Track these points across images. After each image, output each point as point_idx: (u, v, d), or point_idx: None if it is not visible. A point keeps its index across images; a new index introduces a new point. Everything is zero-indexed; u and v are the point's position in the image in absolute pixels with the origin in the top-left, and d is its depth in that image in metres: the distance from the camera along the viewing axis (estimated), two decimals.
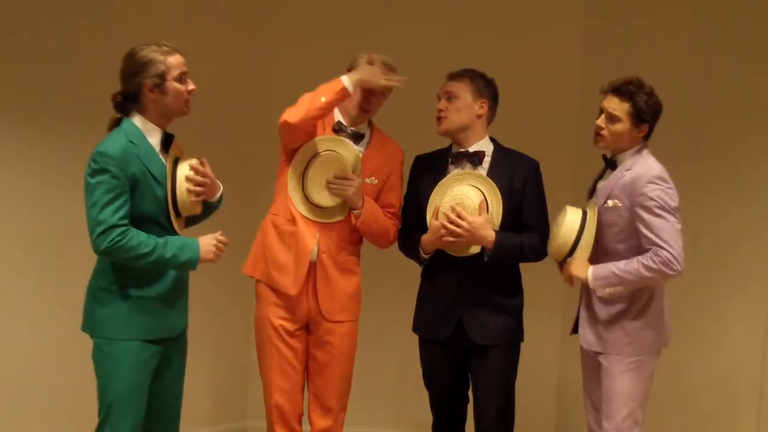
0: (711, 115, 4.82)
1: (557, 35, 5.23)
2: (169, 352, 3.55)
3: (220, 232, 3.52)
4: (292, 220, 3.93)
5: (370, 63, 3.85)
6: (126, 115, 3.46)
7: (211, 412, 5.19)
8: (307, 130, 3.85)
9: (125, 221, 3.33)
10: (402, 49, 4.97)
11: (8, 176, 4.55)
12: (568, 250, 3.71)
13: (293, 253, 3.91)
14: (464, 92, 3.93)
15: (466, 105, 3.93)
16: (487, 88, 3.97)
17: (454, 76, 3.97)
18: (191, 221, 3.67)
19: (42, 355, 4.66)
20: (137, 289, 3.42)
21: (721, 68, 4.79)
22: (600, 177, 3.84)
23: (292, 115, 3.77)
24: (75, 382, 4.63)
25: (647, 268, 3.56)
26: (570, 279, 3.75)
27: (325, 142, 3.91)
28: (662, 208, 3.57)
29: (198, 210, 3.57)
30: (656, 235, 3.56)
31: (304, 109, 3.76)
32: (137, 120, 3.45)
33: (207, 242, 3.48)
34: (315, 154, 3.89)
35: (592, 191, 3.85)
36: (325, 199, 3.89)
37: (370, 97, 3.90)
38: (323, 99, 3.75)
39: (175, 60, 3.43)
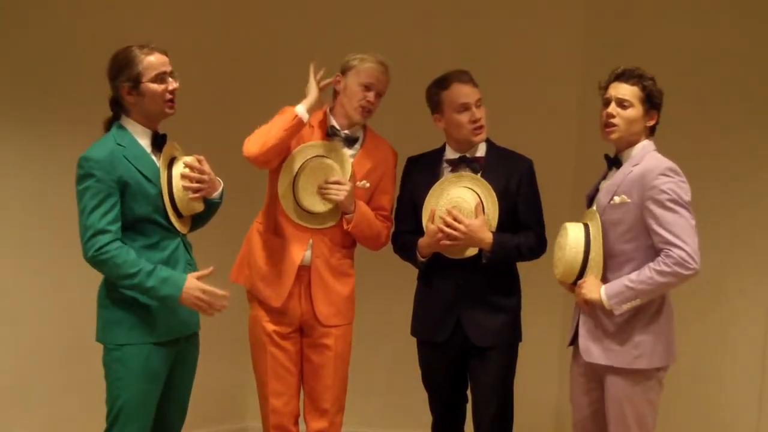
0: (713, 113, 4.81)
1: (558, 32, 5.21)
2: (181, 353, 3.54)
3: (208, 271, 3.39)
4: (280, 231, 3.92)
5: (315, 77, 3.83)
6: (117, 117, 3.46)
7: (211, 412, 5.18)
8: (275, 156, 3.82)
9: (113, 227, 3.29)
10: (400, 45, 4.98)
11: (7, 176, 4.56)
12: (577, 272, 3.54)
13: (278, 266, 3.90)
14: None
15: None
16: None
17: (474, 83, 3.90)
18: (197, 222, 3.65)
19: (41, 356, 4.66)
20: None
21: (723, 66, 4.78)
22: (603, 179, 3.69)
23: (250, 147, 3.75)
24: (75, 383, 4.65)
25: (661, 273, 3.36)
26: (584, 303, 3.54)
27: (315, 147, 3.89)
28: (675, 201, 3.38)
29: (199, 208, 3.55)
30: (669, 231, 3.36)
31: (261, 140, 3.75)
32: (126, 122, 3.45)
33: (191, 288, 3.35)
34: (305, 161, 3.86)
35: (594, 194, 3.68)
36: (317, 204, 3.87)
37: (366, 93, 3.87)
38: (279, 129, 3.75)
39: (153, 60, 3.40)
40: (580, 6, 5.20)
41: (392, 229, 4.07)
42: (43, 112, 4.61)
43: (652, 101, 3.53)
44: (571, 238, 3.53)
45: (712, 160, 4.77)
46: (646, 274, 3.39)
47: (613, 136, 3.54)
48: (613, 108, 3.52)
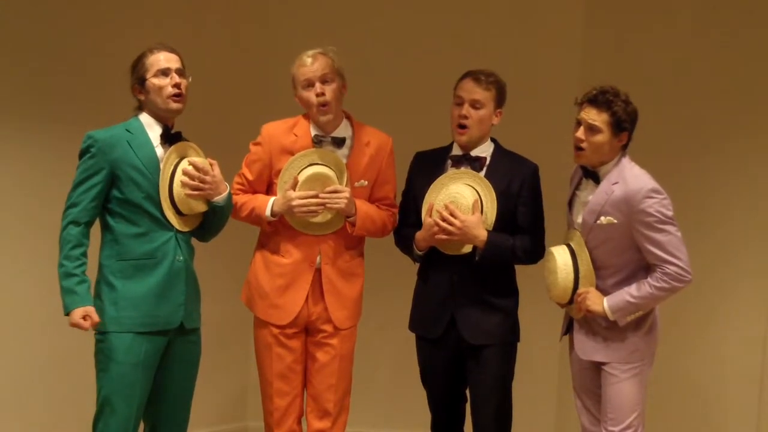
0: (711, 117, 4.82)
1: (557, 36, 5.23)
2: (173, 347, 3.56)
3: (88, 324, 3.43)
4: (285, 247, 3.91)
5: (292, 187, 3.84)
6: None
7: (211, 412, 5.19)
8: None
9: (86, 203, 3.44)
10: (402, 47, 4.99)
11: (6, 177, 4.57)
12: (571, 290, 3.72)
13: (283, 288, 3.90)
14: (489, 102, 3.88)
15: (488, 115, 3.89)
16: (504, 96, 3.94)
17: (482, 82, 3.86)
18: (207, 228, 3.68)
19: (42, 355, 4.68)
20: (127, 281, 3.47)
21: (720, 71, 4.80)
22: (578, 186, 3.81)
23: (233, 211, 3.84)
24: (75, 382, 4.64)
25: (660, 289, 3.60)
26: (587, 312, 3.71)
27: (307, 156, 3.85)
28: (662, 221, 3.58)
29: (199, 207, 3.59)
30: (662, 250, 3.58)
31: (236, 213, 3.87)
32: (141, 116, 3.59)
33: (79, 312, 3.42)
34: (299, 171, 3.82)
35: (571, 200, 3.83)
36: (317, 216, 3.84)
37: (311, 91, 3.82)
38: (248, 219, 3.91)
39: (158, 57, 3.54)
40: (579, 8, 5.21)
41: (397, 218, 4.05)
42: (42, 113, 4.62)
43: (620, 126, 3.64)
44: (560, 262, 3.72)
45: (710, 164, 4.78)
46: (647, 290, 3.61)
47: (581, 161, 3.72)
48: (581, 133, 3.67)
